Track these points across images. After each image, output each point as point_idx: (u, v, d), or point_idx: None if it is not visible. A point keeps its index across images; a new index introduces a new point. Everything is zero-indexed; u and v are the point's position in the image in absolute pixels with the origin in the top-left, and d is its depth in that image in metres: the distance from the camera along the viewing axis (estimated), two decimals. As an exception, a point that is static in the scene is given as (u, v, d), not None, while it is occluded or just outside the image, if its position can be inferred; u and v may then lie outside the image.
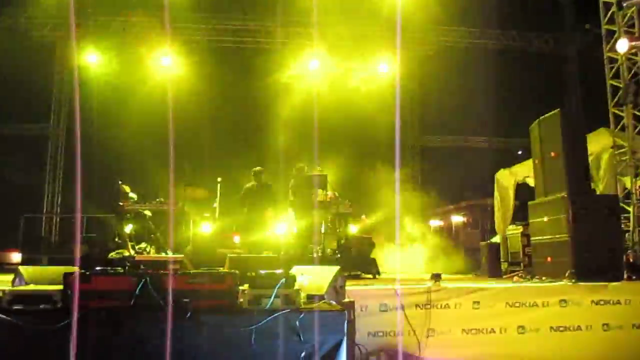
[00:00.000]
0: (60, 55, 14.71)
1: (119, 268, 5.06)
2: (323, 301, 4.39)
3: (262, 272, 4.19)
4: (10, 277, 5.38)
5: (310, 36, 14.73)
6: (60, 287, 4.17)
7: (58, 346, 3.87)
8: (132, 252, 8.86)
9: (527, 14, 14.63)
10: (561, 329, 6.15)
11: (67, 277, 4.09)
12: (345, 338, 4.01)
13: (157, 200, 9.19)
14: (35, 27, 14.23)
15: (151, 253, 8.66)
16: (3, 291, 4.15)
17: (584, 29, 13.49)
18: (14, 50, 13.38)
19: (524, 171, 10.32)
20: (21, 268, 5.03)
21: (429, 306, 6.12)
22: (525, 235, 8.83)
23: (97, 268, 4.38)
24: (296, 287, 4.20)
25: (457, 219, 12.84)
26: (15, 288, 4.39)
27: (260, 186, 9.98)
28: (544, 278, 7.16)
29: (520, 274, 8.35)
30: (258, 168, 10.00)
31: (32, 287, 4.45)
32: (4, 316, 3.91)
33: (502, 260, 9.54)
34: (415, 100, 15.53)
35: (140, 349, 3.91)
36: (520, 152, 13.06)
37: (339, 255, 9.21)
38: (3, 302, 4.05)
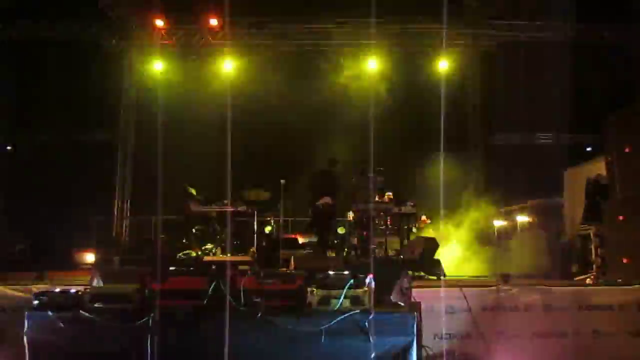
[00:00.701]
0: (127, 64, 15.29)
1: (190, 268, 5.22)
2: (390, 302, 4.38)
3: (331, 272, 4.22)
4: (85, 276, 5.66)
5: (368, 36, 14.70)
6: (137, 286, 4.35)
7: (135, 343, 4.04)
8: (199, 253, 9.10)
9: (595, 4, 14.02)
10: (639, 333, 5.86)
11: (143, 277, 4.27)
12: (415, 339, 3.98)
13: (223, 202, 9.39)
14: (104, 37, 14.85)
15: (217, 254, 8.86)
16: (85, 289, 4.38)
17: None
18: (84, 60, 14.06)
19: (595, 168, 9.90)
20: (98, 268, 5.28)
21: (497, 308, 5.98)
22: (598, 235, 8.46)
23: (171, 268, 4.53)
24: (364, 288, 4.21)
25: (523, 219, 12.42)
26: (95, 287, 4.61)
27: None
28: (619, 280, 6.84)
29: (592, 276, 8.02)
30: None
31: (110, 286, 4.67)
32: (86, 313, 4.13)
33: (573, 261, 9.18)
34: (478, 98, 15.18)
35: (212, 347, 4.02)
36: (589, 149, 12.54)
37: (402, 257, 9.13)
38: (84, 300, 4.28)
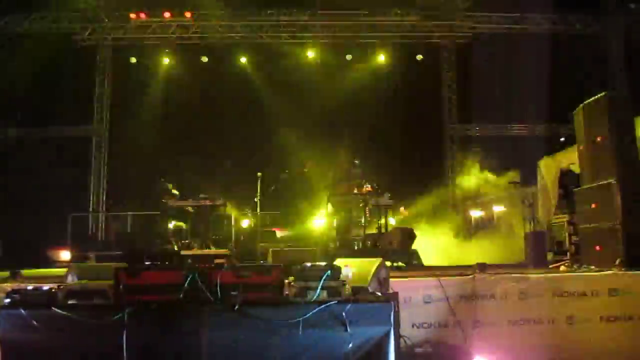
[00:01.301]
0: (100, 58, 15.06)
1: (166, 263, 5.17)
2: (368, 293, 4.38)
3: (308, 264, 4.21)
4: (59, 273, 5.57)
5: (345, 28, 14.71)
6: (111, 282, 4.29)
7: (111, 339, 3.99)
8: (177, 247, 9.04)
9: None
10: (612, 319, 5.96)
11: (118, 272, 4.21)
12: (392, 329, 4.00)
13: (200, 196, 9.33)
14: (77, 31, 14.59)
15: (195, 249, 8.81)
16: (58, 286, 4.30)
17: (628, 8, 13.01)
18: (57, 54, 13.80)
19: (569, 158, 10.05)
20: (73, 265, 5.19)
21: (474, 297, 6.03)
22: (572, 223, 8.60)
23: (147, 263, 4.48)
24: (340, 278, 4.21)
25: (499, 208, 12.58)
26: (69, 284, 4.54)
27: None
28: (592, 267, 6.96)
29: (567, 264, 8.14)
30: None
31: (84, 282, 4.59)
32: (60, 311, 4.05)
33: (547, 249, 9.32)
34: (454, 89, 15.30)
35: (189, 341, 3.99)
36: (563, 139, 12.72)
37: (379, 247, 9.17)
38: (59, 297, 4.20)
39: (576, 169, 9.17)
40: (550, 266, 8.56)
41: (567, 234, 8.80)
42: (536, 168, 11.36)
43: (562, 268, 7.80)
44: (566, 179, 9.73)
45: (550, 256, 9.30)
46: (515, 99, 13.12)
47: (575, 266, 7.65)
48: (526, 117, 13.49)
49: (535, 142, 12.41)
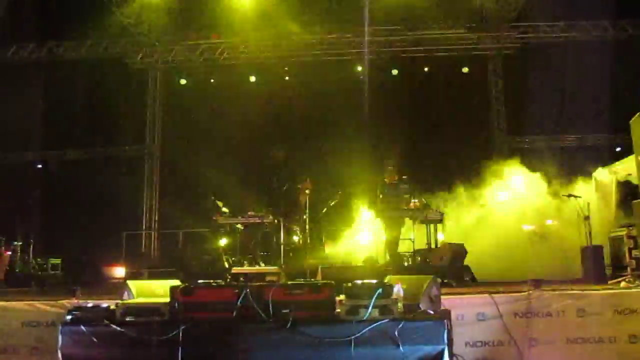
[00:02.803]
0: (153, 79, 15.57)
1: (219, 281, 5.26)
2: (420, 310, 4.33)
3: (359, 282, 4.21)
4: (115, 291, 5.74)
5: (391, 43, 14.75)
6: (167, 299, 4.40)
7: (166, 356, 4.08)
8: (227, 264, 9.16)
9: (619, 2, 13.81)
10: (678, 337, 5.68)
11: (173, 290, 4.32)
12: (446, 347, 3.94)
13: (249, 213, 9.45)
14: (129, 55, 15.16)
15: (245, 265, 8.91)
16: (116, 304, 4.44)
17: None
18: (111, 77, 14.37)
19: (626, 168, 9.69)
20: (129, 282, 5.34)
21: (529, 314, 5.87)
22: (632, 237, 8.26)
23: (199, 281, 4.57)
24: (392, 296, 4.18)
25: (552, 222, 12.19)
26: (126, 301, 4.67)
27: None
28: (655, 282, 6.67)
29: (628, 279, 7.81)
30: None
31: (141, 300, 4.72)
32: (117, 327, 4.18)
33: (606, 264, 8.97)
34: (502, 101, 15.03)
35: (242, 358, 4.03)
36: (619, 149, 12.28)
37: (430, 264, 9.04)
38: (117, 315, 4.34)
39: (634, 179, 8.84)
40: (610, 282, 8.23)
41: (627, 248, 8.45)
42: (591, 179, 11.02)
43: (622, 284, 7.48)
44: (624, 191, 9.39)
45: (609, 271, 8.95)
46: (568, 109, 12.77)
47: (637, 282, 7.34)
48: (579, 127, 13.10)
49: (589, 153, 12.02)
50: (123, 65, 15.14)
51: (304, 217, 9.62)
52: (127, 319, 4.27)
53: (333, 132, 13.77)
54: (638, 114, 7.53)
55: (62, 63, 14.88)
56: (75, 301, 5.84)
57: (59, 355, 4.25)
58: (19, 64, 14.87)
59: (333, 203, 10.25)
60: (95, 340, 4.15)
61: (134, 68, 15.25)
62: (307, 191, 9.70)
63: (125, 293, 5.23)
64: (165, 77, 15.43)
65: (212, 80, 14.90)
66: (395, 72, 14.69)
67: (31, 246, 12.98)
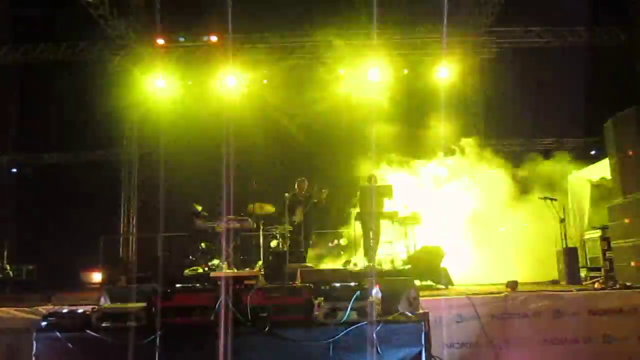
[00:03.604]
0: (129, 83, 15.40)
1: (197, 285, 5.23)
2: (398, 313, 4.36)
3: (337, 284, 4.22)
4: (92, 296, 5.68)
5: (367, 47, 14.80)
6: (144, 304, 4.36)
7: (144, 361, 4.04)
8: (206, 269, 9.10)
9: (591, 7, 14.07)
10: (653, 337, 5.80)
11: (151, 295, 4.28)
12: (424, 349, 3.97)
13: (228, 217, 9.39)
14: (105, 57, 14.99)
15: (224, 270, 8.85)
16: (92, 309, 4.39)
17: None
18: (85, 80, 14.18)
19: (600, 171, 9.87)
20: (106, 287, 5.29)
21: (506, 316, 5.95)
22: (605, 239, 8.42)
23: (177, 285, 4.54)
24: (370, 299, 4.20)
25: (527, 224, 12.35)
26: (103, 306, 4.62)
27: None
28: (628, 283, 6.80)
29: (601, 280, 7.96)
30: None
31: (118, 305, 4.67)
32: (94, 333, 4.13)
33: (581, 266, 9.12)
34: (480, 105, 15.19)
35: (221, 363, 4.02)
36: (593, 152, 12.51)
37: (409, 266, 9.10)
38: (93, 320, 4.29)
39: (608, 182, 9.02)
40: (584, 283, 8.39)
41: (601, 250, 8.62)
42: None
43: (596, 285, 7.63)
44: (598, 193, 9.57)
45: (583, 273, 9.11)
46: (543, 113, 12.96)
47: (610, 283, 7.48)
48: (555, 130, 13.30)
49: (565, 156, 12.20)
50: (100, 68, 14.94)
51: (283, 220, 9.61)
52: (104, 324, 4.23)
53: (314, 135, 13.82)
54: (611, 119, 7.70)
55: (37, 65, 14.66)
56: (51, 307, 5.75)
57: (34, 362, 4.19)
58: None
59: (316, 201, 10.26)
60: (70, 346, 4.10)
61: (112, 71, 15.06)
62: (286, 194, 9.71)
63: (102, 298, 5.18)
64: (143, 80, 15.26)
65: (189, 82, 14.78)
66: (374, 74, 14.74)
67: (5, 252, 12.74)
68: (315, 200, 10.30)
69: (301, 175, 10.77)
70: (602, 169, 9.66)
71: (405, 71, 14.65)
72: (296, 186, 10.45)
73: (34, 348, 4.21)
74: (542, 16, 14.25)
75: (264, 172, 12.46)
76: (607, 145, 7.97)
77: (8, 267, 12.57)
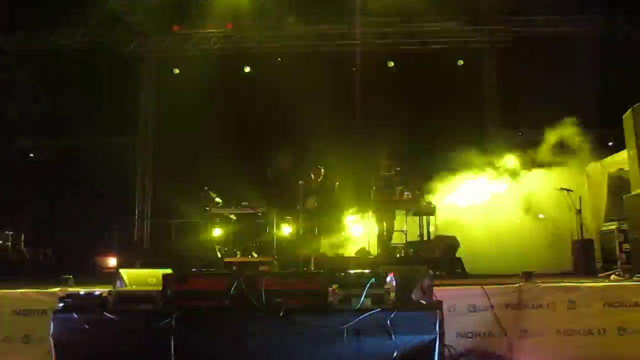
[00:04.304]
0: (146, 69, 15.46)
1: (212, 269, 5.27)
2: (412, 301, 4.36)
3: (352, 271, 4.23)
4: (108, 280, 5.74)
5: (383, 35, 14.72)
6: (159, 288, 4.40)
7: (159, 344, 4.09)
8: (220, 254, 9.17)
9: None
10: (666, 330, 5.74)
11: (166, 278, 4.32)
12: (437, 337, 3.96)
13: (242, 204, 9.44)
14: (122, 44, 15.05)
15: (238, 255, 8.91)
16: (109, 292, 4.44)
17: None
18: (102, 66, 14.25)
19: (618, 163, 9.75)
20: (122, 271, 5.34)
21: (520, 306, 5.92)
22: (622, 231, 8.33)
23: (193, 270, 4.57)
24: (385, 286, 4.20)
25: (543, 215, 12.26)
26: (119, 289, 4.67)
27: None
28: (644, 276, 6.73)
29: (617, 273, 7.89)
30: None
31: (133, 288, 4.72)
32: (110, 315, 4.18)
33: (597, 258, 9.04)
34: (495, 94, 15.05)
35: (235, 347, 4.05)
36: (611, 143, 12.34)
37: (423, 256, 9.09)
38: (109, 303, 4.33)
39: (626, 174, 8.90)
40: (600, 275, 8.32)
41: (617, 242, 8.52)
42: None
43: (612, 277, 7.56)
44: (615, 185, 9.45)
45: (599, 265, 9.03)
46: (562, 103, 12.78)
47: (626, 275, 7.41)
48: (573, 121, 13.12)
49: (582, 146, 12.07)
50: (116, 54, 15.00)
51: (298, 208, 9.63)
52: (120, 306, 4.27)
53: (328, 124, 13.73)
54: (630, 109, 7.58)
55: (54, 51, 14.74)
56: (68, 290, 5.83)
57: (51, 342, 4.24)
58: (10, 51, 14.73)
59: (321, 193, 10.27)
60: (87, 327, 4.15)
61: (127, 57, 15.12)
62: (300, 182, 9.71)
63: (118, 282, 5.22)
64: (158, 66, 15.31)
65: (204, 70, 14.82)
66: (391, 64, 14.68)
67: (23, 235, 12.92)
68: (328, 189, 10.29)
69: (317, 162, 10.75)
70: (620, 160, 9.54)
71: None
72: (312, 174, 10.43)
73: (51, 329, 4.27)
74: (558, 5, 14.05)
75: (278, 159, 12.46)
76: (625, 136, 7.86)
77: (25, 251, 12.75)
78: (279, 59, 14.73)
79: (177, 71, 15.00)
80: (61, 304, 4.35)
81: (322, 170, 10.48)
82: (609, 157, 10.44)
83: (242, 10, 14.04)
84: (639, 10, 13.81)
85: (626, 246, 8.15)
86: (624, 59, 13.22)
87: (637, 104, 7.40)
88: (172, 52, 15.11)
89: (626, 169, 8.46)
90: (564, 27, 14.43)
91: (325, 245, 10.73)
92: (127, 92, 15.14)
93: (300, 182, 9.84)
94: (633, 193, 7.52)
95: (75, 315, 4.20)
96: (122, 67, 14.93)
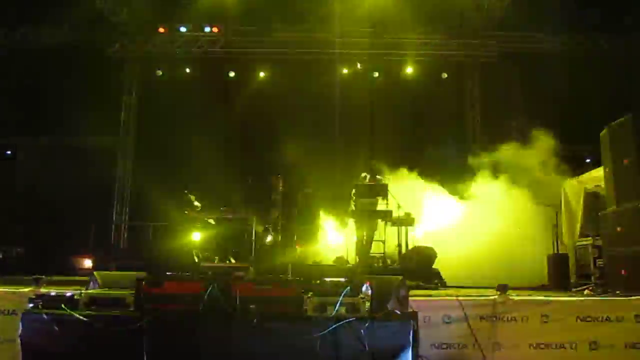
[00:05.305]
0: (128, 70, 15.34)
1: (188, 273, 5.21)
2: (387, 310, 4.36)
3: (327, 279, 4.21)
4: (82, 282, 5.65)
5: (368, 45, 14.81)
6: (132, 291, 4.34)
7: (130, 348, 4.02)
8: (197, 260, 9.08)
9: (592, 16, 14.12)
10: (638, 346, 5.82)
11: (139, 281, 4.26)
12: (411, 348, 3.96)
13: (221, 209, 9.37)
14: (106, 43, 14.92)
15: (215, 261, 8.84)
16: (80, 293, 4.37)
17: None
18: (85, 66, 14.11)
19: (594, 179, 9.90)
20: (95, 273, 5.26)
21: (494, 319, 5.95)
22: (597, 247, 8.44)
23: (167, 274, 4.52)
24: (360, 295, 4.20)
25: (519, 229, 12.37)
26: (91, 291, 4.59)
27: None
28: (617, 292, 6.82)
29: (591, 288, 7.99)
30: None
31: (106, 290, 4.65)
32: (81, 317, 4.11)
33: (570, 273, 9.15)
34: (477, 109, 15.22)
35: (207, 352, 4.00)
36: (588, 160, 12.54)
37: (400, 266, 9.10)
38: (80, 304, 4.26)
39: (602, 190, 9.04)
40: (574, 290, 8.41)
41: (591, 258, 8.64)
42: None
43: (586, 292, 7.65)
44: (591, 201, 9.58)
45: (573, 279, 9.14)
46: (538, 119, 12.96)
47: (599, 290, 7.50)
48: (551, 137, 13.31)
49: (559, 163, 12.24)
50: (99, 54, 14.87)
51: (277, 215, 9.59)
52: (91, 308, 4.20)
53: (310, 132, 13.76)
54: (607, 127, 7.70)
55: (36, 49, 14.57)
56: (39, 290, 5.72)
57: (19, 343, 4.16)
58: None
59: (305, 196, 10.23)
60: (56, 328, 4.07)
61: (111, 57, 15.00)
62: (280, 188, 9.67)
63: (92, 283, 5.15)
64: (142, 67, 15.20)
65: (187, 70, 14.77)
66: (376, 74, 14.77)
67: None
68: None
69: (292, 170, 10.69)
70: (597, 177, 9.69)
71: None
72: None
73: (20, 329, 4.18)
74: (541, 22, 14.30)
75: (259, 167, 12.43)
76: (602, 153, 7.98)
77: (-3, 249, 12.50)
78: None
79: (160, 73, 14.88)
80: (30, 304, 4.27)
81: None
82: (585, 174, 10.59)
83: (228, 14, 14.04)
84: (619, 29, 14.11)
85: (600, 262, 8.27)
86: (604, 76, 13.47)
87: (614, 123, 7.53)
88: (156, 53, 15.01)
89: (602, 185, 8.58)
90: (546, 44, 14.68)
91: (303, 253, 10.71)
92: (110, 92, 14.99)
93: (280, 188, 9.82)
94: (609, 210, 7.64)
95: (44, 316, 4.12)
96: (105, 68, 14.79)
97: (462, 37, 14.94)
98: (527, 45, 14.83)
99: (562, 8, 13.38)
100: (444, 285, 8.82)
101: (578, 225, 10.18)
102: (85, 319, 4.03)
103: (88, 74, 14.01)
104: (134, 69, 15.42)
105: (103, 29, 14.82)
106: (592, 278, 8.59)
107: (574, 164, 11.98)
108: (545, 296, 6.48)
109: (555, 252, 9.72)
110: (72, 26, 14.51)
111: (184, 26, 14.86)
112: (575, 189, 10.67)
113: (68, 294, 4.42)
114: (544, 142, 12.14)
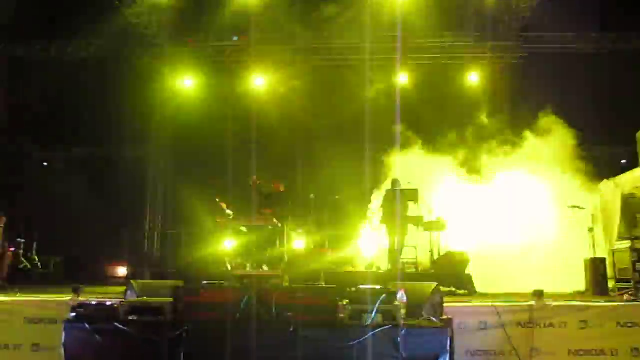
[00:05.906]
0: (159, 81, 15.61)
1: (223, 282, 5.27)
2: (423, 317, 4.33)
3: (363, 287, 4.21)
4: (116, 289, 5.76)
5: (396, 50, 14.77)
6: (170, 299, 4.41)
7: (169, 356, 4.09)
8: (230, 267, 9.16)
9: (624, 13, 13.82)
10: (681, 352, 5.66)
11: (177, 290, 4.33)
12: (447, 355, 3.94)
13: (253, 216, 9.45)
14: (137, 54, 15.23)
15: (247, 268, 8.91)
16: (120, 302, 4.46)
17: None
18: (117, 76, 14.42)
19: (631, 181, 9.67)
20: (133, 281, 5.36)
21: (531, 325, 5.86)
22: (635, 250, 8.23)
23: (204, 282, 4.58)
24: (396, 302, 4.18)
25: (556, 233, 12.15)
26: (130, 300, 4.68)
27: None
28: (658, 296, 6.65)
29: (630, 292, 7.79)
30: None
31: (145, 299, 4.73)
32: (121, 326, 4.19)
33: (608, 277, 8.93)
34: (507, 109, 15.02)
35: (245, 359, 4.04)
36: (624, 161, 12.25)
37: (433, 271, 9.04)
38: (120, 313, 4.35)
39: (639, 192, 8.82)
40: (612, 294, 8.22)
41: (630, 261, 8.42)
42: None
43: (625, 297, 7.46)
44: (629, 204, 9.35)
45: (612, 284, 8.92)
46: (573, 121, 12.73)
47: (639, 295, 7.31)
48: (585, 138, 13.06)
49: (595, 164, 11.99)
50: (131, 65, 15.17)
51: (308, 221, 9.63)
52: (131, 317, 4.28)
53: (338, 138, 13.78)
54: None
55: (70, 61, 14.97)
56: (78, 299, 5.85)
57: (62, 351, 4.26)
58: (28, 61, 14.98)
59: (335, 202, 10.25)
60: (98, 338, 4.16)
61: (142, 68, 15.29)
62: (311, 196, 9.72)
63: (129, 292, 5.24)
64: (173, 77, 15.45)
65: (215, 79, 14.97)
66: (401, 78, 14.72)
67: (34, 243, 13.01)
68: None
69: (322, 177, 10.71)
70: (633, 178, 9.47)
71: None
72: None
73: (63, 338, 4.29)
74: (569, 22, 14.07)
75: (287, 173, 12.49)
76: (638, 154, 7.81)
77: (36, 259, 12.82)
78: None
79: (189, 82, 15.13)
80: (73, 314, 4.37)
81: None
82: (622, 175, 10.35)
83: (253, 23, 14.21)
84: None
85: (639, 265, 8.06)
86: (638, 76, 13.17)
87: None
88: (185, 63, 15.27)
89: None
90: (576, 44, 14.44)
91: (335, 260, 10.69)
92: (142, 103, 15.28)
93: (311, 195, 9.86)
94: (647, 212, 7.46)
95: (86, 325, 4.21)
96: (137, 79, 15.09)
97: (488, 39, 14.80)
98: (557, 45, 14.59)
99: (592, 7, 13.17)
100: (473, 292, 8.69)
101: (616, 228, 9.94)
102: (125, 328, 4.12)
103: (120, 85, 14.30)
104: (164, 80, 15.68)
105: (134, 41, 15.13)
106: (632, 282, 8.37)
107: (610, 166, 11.72)
108: (582, 302, 6.35)
109: (592, 255, 9.51)
110: (104, 39, 14.84)
111: (211, 36, 15.06)
112: (611, 190, 10.44)
113: (108, 303, 4.51)
114: (578, 144, 11.91)
